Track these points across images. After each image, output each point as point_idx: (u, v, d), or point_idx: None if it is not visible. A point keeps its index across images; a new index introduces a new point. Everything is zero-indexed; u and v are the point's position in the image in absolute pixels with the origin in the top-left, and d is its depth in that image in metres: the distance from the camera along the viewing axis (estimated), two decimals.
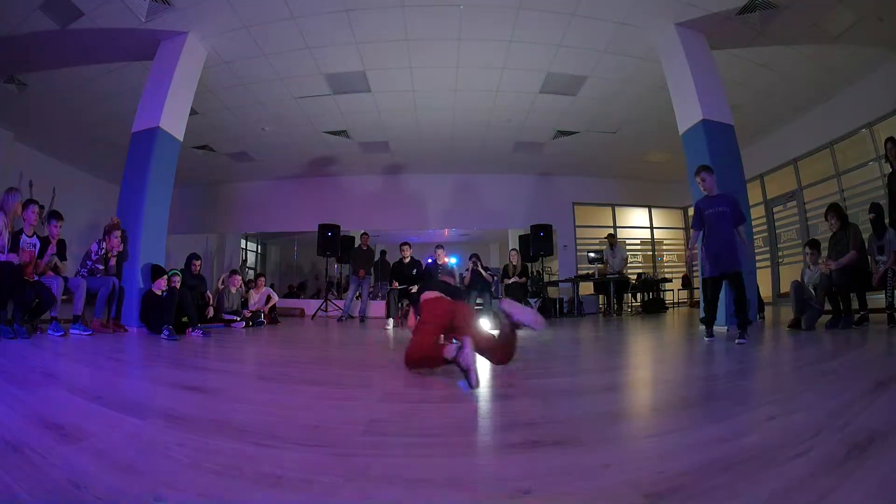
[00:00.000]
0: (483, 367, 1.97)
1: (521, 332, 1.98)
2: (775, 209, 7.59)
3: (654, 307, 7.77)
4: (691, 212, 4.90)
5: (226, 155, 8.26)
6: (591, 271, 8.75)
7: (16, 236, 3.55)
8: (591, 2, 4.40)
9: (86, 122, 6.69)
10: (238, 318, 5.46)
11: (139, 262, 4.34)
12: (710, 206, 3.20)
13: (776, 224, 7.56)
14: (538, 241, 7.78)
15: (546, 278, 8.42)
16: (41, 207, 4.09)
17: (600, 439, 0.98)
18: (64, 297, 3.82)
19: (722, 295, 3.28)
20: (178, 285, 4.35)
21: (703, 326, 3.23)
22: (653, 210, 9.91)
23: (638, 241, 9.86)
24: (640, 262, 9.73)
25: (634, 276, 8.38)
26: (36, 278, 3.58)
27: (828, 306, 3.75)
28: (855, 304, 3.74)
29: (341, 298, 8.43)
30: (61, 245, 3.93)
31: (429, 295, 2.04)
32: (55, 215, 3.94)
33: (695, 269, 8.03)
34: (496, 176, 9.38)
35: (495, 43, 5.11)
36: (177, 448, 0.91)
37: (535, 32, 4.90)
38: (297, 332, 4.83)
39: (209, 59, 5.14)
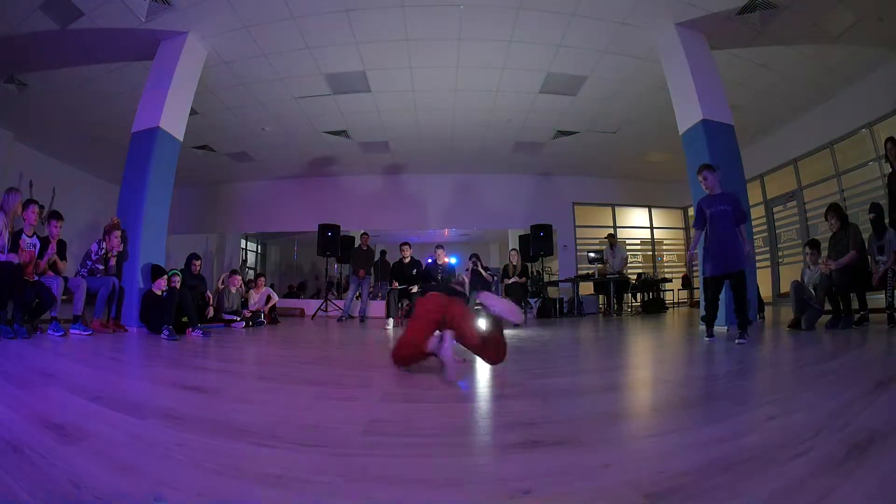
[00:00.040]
0: (483, 368, 1.97)
1: (516, 331, 1.98)
2: (775, 209, 7.59)
3: (654, 307, 7.77)
4: (691, 212, 4.90)
5: (226, 155, 8.26)
6: (591, 271, 8.75)
7: (16, 236, 3.56)
8: (591, 2, 4.40)
9: (86, 122, 6.69)
10: (238, 318, 5.46)
11: (139, 262, 4.35)
12: (711, 205, 3.19)
13: (776, 224, 7.56)
14: (538, 241, 7.78)
15: (546, 278, 8.42)
16: (41, 207, 4.08)
17: (600, 439, 0.98)
18: (64, 297, 3.82)
19: (722, 295, 3.28)
20: (178, 285, 4.35)
21: (704, 326, 3.23)
22: (653, 210, 9.91)
23: (638, 241, 9.86)
24: (640, 262, 9.73)
25: (634, 276, 8.36)
26: (36, 278, 3.58)
27: (828, 306, 3.74)
28: (855, 305, 3.74)
29: (341, 298, 8.43)
30: (61, 245, 3.93)
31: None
32: (55, 215, 3.94)
33: (695, 269, 8.04)
34: (496, 176, 9.38)
35: (495, 43, 5.11)
36: (177, 448, 0.91)
37: (535, 32, 4.90)
38: (297, 333, 4.83)
39: (209, 59, 5.14)
